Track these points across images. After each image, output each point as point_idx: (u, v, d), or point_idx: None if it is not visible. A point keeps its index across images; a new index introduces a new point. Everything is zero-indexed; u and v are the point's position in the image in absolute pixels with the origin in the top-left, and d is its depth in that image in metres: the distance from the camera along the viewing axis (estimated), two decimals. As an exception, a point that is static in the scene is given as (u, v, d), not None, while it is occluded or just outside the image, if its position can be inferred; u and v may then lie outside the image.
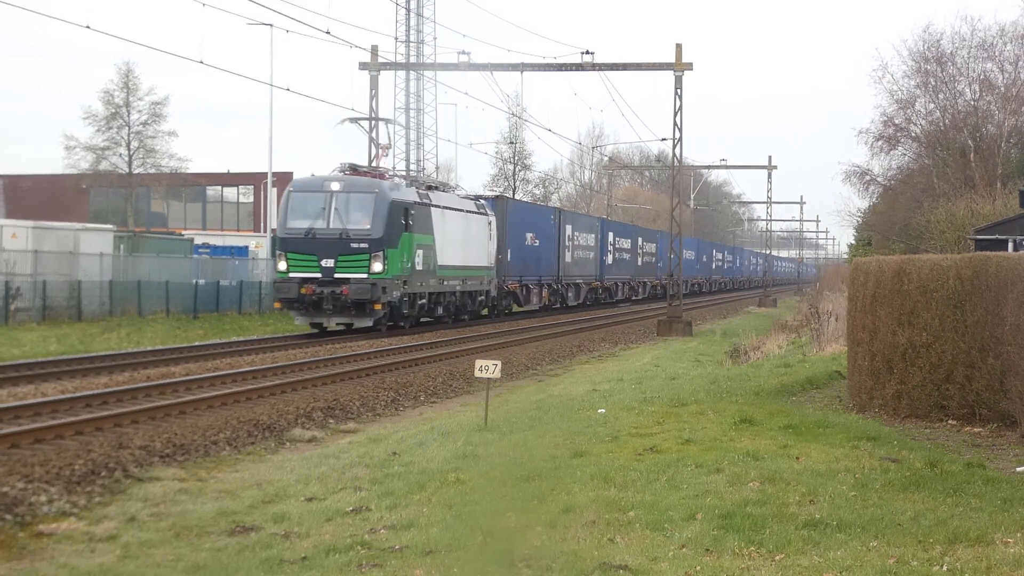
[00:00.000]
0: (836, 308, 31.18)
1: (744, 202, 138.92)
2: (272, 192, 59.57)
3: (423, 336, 34.86)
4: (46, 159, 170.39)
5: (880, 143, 57.76)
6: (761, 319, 52.37)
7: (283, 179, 59.48)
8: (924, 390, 16.22)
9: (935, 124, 56.14)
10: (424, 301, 37.14)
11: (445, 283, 38.98)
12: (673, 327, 41.82)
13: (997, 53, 54.98)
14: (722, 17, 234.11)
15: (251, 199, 75.16)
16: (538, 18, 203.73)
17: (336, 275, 33.23)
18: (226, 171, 77.26)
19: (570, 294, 56.76)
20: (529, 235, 50.00)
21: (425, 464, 13.30)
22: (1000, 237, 31.02)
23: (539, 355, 31.19)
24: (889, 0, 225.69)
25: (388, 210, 33.87)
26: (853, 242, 73.53)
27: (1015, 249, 29.46)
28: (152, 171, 67.68)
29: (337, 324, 34.26)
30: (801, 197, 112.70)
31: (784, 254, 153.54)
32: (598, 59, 43.42)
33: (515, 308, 49.89)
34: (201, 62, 30.49)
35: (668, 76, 43.44)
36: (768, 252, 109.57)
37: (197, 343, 30.55)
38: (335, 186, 34.05)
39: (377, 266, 33.40)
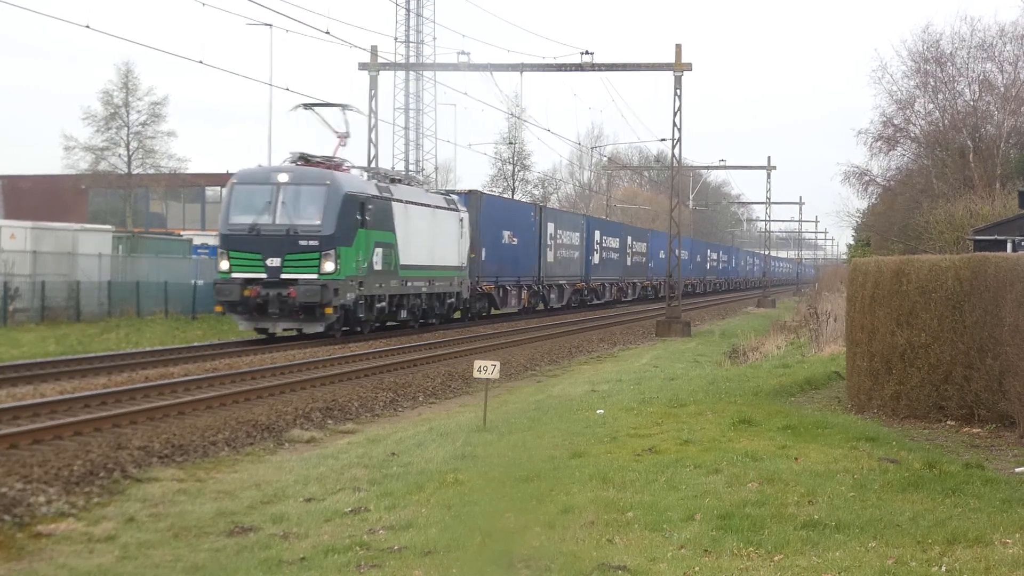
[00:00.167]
0: (835, 309, 31.19)
1: (743, 202, 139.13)
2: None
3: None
4: (45, 159, 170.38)
5: (879, 143, 57.86)
6: (760, 320, 52.38)
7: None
8: (923, 391, 16.22)
9: (934, 124, 56.18)
10: (384, 304, 34.39)
11: (408, 284, 36.18)
12: (672, 328, 41.83)
13: (997, 53, 55.08)
14: (722, 17, 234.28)
15: (250, 199, 74.95)
16: (538, 18, 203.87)
17: (283, 276, 30.48)
18: (225, 171, 77.13)
19: (552, 296, 54.30)
20: (506, 233, 47.31)
21: (424, 465, 13.29)
22: (999, 238, 31.05)
23: (538, 356, 31.18)
24: (889, 0, 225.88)
25: (341, 204, 31.14)
26: (852, 243, 73.65)
27: (1014, 250, 29.48)
28: (151, 171, 67.66)
29: (284, 330, 31.82)
30: (800, 197, 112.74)
31: (783, 255, 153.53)
32: (598, 59, 43.44)
33: (494, 311, 47.48)
34: (201, 62, 30.47)
35: (668, 76, 43.51)
36: (767, 252, 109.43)
37: (195, 343, 30.55)
38: (283, 178, 31.26)
39: (328, 266, 30.66)
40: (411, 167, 74.09)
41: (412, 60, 68.93)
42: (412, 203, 36.32)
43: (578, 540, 9.52)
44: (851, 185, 63.29)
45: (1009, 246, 30.12)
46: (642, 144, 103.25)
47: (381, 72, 46.58)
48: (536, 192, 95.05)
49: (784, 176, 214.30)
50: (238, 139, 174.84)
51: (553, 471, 12.23)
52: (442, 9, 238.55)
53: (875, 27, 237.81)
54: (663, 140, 69.67)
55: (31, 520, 11.35)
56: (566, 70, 44.02)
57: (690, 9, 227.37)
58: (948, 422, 15.92)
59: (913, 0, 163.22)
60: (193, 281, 44.90)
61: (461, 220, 40.89)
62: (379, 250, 33.47)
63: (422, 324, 38.52)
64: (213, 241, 55.98)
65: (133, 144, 66.22)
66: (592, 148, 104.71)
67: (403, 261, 35.36)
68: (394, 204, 34.72)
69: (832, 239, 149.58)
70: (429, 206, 37.95)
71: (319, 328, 31.19)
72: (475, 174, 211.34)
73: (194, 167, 71.57)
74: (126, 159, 66.27)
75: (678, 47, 42.49)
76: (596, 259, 61.68)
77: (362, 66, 44.69)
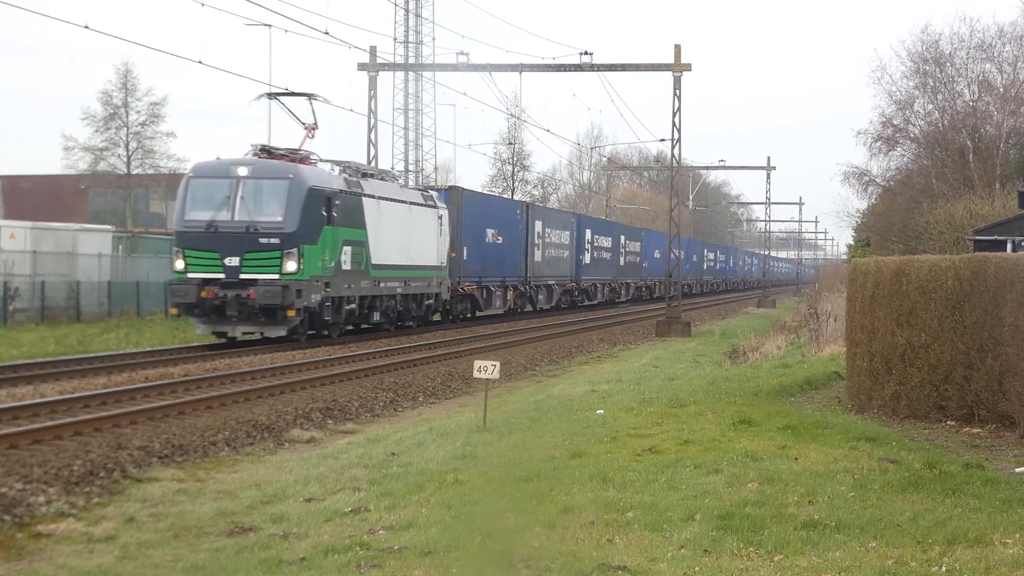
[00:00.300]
0: (835, 309, 31.20)
1: (743, 203, 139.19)
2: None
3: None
4: (45, 159, 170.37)
5: (879, 144, 57.90)
6: (760, 320, 52.40)
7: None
8: (923, 391, 16.22)
9: (934, 125, 56.21)
10: (353, 306, 32.26)
11: (381, 285, 34.11)
12: (672, 328, 41.84)
13: (996, 54, 55.11)
14: (721, 17, 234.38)
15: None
16: (537, 19, 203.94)
17: (242, 276, 28.57)
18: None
19: (540, 297, 52.37)
20: (490, 231, 45.27)
21: (424, 465, 13.29)
22: (999, 238, 31.06)
23: (537, 356, 31.18)
24: (888, 1, 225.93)
25: (305, 199, 29.24)
26: (852, 243, 73.67)
27: (1014, 250, 29.49)
28: (150, 171, 67.72)
29: (244, 333, 29.71)
30: (800, 198, 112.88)
31: (783, 255, 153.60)
32: (597, 60, 43.47)
33: (479, 313, 45.67)
34: (200, 62, 30.33)
35: (667, 77, 43.56)
36: (766, 252, 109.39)
37: (195, 343, 30.54)
38: (242, 171, 29.30)
39: (290, 265, 28.75)
40: (411, 168, 74.13)
41: (411, 60, 68.95)
42: (385, 199, 34.40)
43: (578, 540, 9.52)
44: (851, 185, 63.43)
45: (1009, 246, 30.14)
46: (642, 144, 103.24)
47: (380, 72, 46.61)
48: (536, 192, 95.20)
49: (784, 176, 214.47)
50: (237, 139, 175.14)
51: (553, 471, 12.23)
52: (441, 9, 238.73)
53: (874, 27, 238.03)
54: (663, 140, 69.25)
55: (31, 520, 11.35)
56: (565, 70, 44.04)
57: (689, 9, 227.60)
58: (948, 422, 15.92)
59: (912, 0, 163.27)
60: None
61: (440, 217, 38.93)
62: (348, 248, 31.59)
63: (398, 327, 36.54)
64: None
65: (132, 144, 66.32)
66: (592, 148, 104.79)
67: (375, 260, 33.46)
68: (365, 199, 32.89)
69: (832, 239, 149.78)
70: (404, 202, 36.08)
71: (281, 332, 29.34)
72: (475, 174, 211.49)
73: (193, 167, 71.44)
74: (125, 159, 66.31)
75: (677, 47, 42.57)
76: (587, 259, 59.99)
77: (361, 66, 44.72)
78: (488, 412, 16.48)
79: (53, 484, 12.64)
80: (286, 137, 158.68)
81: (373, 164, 43.77)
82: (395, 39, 70.81)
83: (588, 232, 60.43)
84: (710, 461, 12.45)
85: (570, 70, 43.91)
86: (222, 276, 28.68)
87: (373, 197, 33.38)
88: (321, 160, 33.18)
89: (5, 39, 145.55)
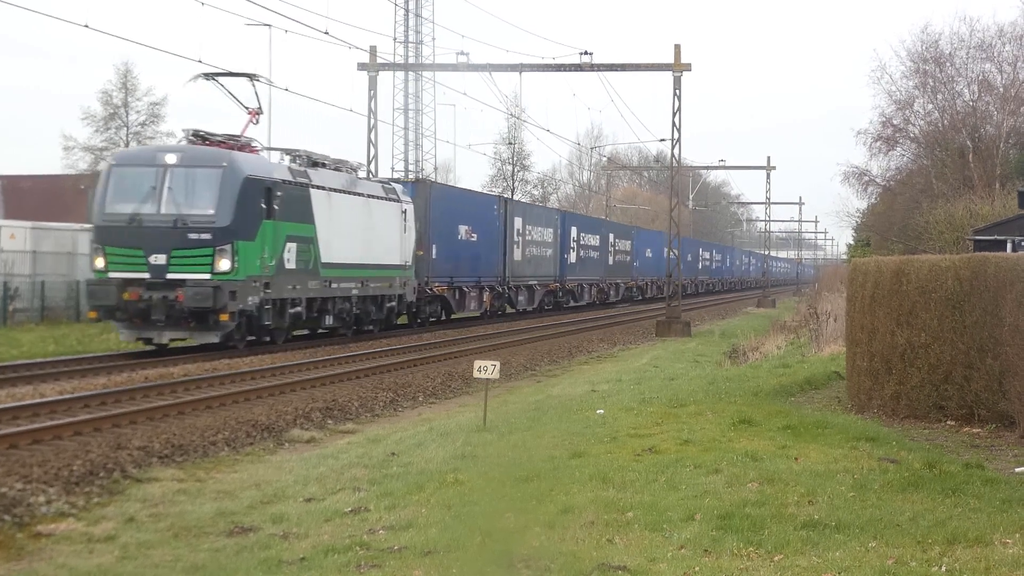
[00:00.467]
0: (835, 309, 31.20)
1: (743, 202, 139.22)
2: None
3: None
4: (45, 159, 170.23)
5: (879, 144, 57.94)
6: (760, 320, 52.40)
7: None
8: (923, 391, 16.22)
9: (934, 125, 56.22)
10: (299, 309, 29.26)
11: (333, 286, 31.03)
12: (672, 328, 41.85)
13: (996, 54, 55.13)
14: (721, 17, 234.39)
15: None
16: (537, 18, 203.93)
17: (169, 275, 25.71)
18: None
19: (521, 298, 49.27)
20: (463, 228, 42.29)
21: (424, 465, 13.29)
22: (999, 238, 31.07)
23: (537, 356, 31.19)
24: (888, 1, 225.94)
25: (241, 190, 26.34)
26: (852, 243, 73.70)
27: (1014, 250, 29.50)
28: (150, 172, 67.54)
29: (172, 340, 27.13)
30: (800, 197, 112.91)
31: (783, 254, 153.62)
32: (597, 60, 43.51)
33: (454, 316, 42.78)
34: (200, 62, 30.10)
35: (667, 76, 43.59)
36: (766, 252, 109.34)
37: (195, 343, 30.48)
38: (170, 159, 26.42)
39: (223, 264, 25.90)
40: (410, 167, 74.13)
41: (411, 60, 68.96)
42: (338, 191, 31.25)
43: (578, 540, 9.52)
44: (851, 185, 63.48)
45: (1009, 246, 30.14)
46: (641, 144, 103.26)
47: (380, 72, 46.63)
48: (536, 192, 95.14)
49: (784, 176, 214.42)
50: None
51: (553, 471, 12.22)
52: (441, 9, 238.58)
53: (874, 27, 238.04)
54: (662, 140, 69.18)
55: (31, 520, 11.35)
56: (565, 70, 44.07)
57: (689, 9, 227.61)
58: (948, 422, 15.92)
59: (912, 0, 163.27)
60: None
61: (404, 212, 35.68)
62: (292, 245, 28.57)
63: (356, 332, 33.35)
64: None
65: (132, 144, 66.20)
66: (591, 148, 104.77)
67: (325, 259, 30.32)
68: (313, 191, 29.70)
69: (832, 239, 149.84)
70: (361, 195, 32.86)
71: (214, 338, 26.58)
72: (475, 174, 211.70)
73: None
74: (126, 159, 66.17)
75: (677, 47, 42.61)
76: (572, 258, 56.92)
77: (361, 66, 44.73)
78: (488, 412, 16.48)
79: (53, 484, 12.64)
80: (285, 138, 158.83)
81: (372, 164, 43.76)
82: (395, 39, 70.87)
83: (574, 230, 57.48)
84: (710, 461, 12.44)
85: (570, 70, 43.93)
86: (146, 276, 25.86)
87: (323, 188, 30.40)
88: (267, 148, 30.82)
89: (5, 39, 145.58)
